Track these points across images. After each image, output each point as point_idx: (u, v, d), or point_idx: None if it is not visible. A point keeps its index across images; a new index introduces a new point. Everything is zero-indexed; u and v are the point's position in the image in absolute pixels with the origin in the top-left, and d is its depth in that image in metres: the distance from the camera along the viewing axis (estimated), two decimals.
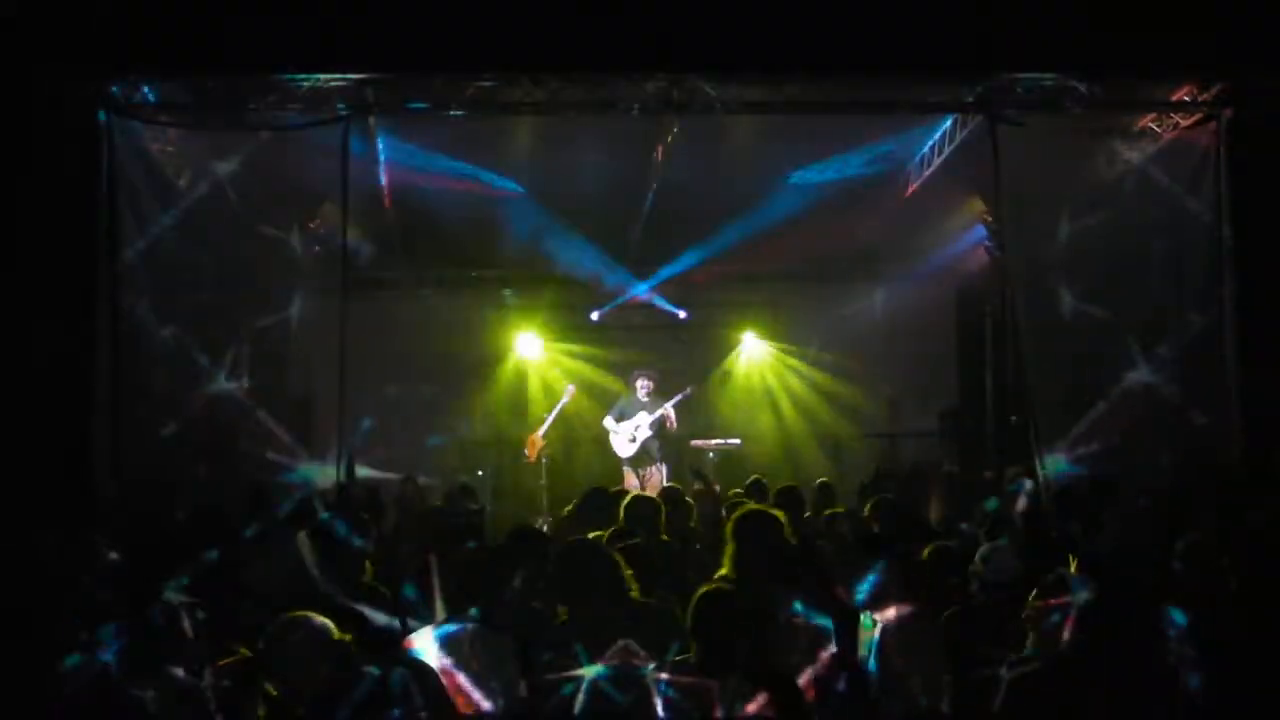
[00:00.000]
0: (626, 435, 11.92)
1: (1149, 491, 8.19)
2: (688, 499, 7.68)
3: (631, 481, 11.84)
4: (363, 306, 13.80)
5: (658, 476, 11.84)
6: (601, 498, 7.18)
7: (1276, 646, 4.47)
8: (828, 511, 8.14)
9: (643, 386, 12.08)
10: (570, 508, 7.76)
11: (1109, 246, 10.14)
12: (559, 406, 12.71)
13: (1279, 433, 8.76)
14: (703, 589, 4.28)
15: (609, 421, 12.08)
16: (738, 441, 12.98)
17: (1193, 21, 8.47)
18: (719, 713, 3.72)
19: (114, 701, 4.09)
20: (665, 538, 6.23)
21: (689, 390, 12.11)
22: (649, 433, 11.86)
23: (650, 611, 4.64)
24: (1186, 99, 9.78)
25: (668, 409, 11.83)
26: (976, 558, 5.39)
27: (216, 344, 10.53)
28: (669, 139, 10.50)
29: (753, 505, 6.14)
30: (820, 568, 4.61)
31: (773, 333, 14.96)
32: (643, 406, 11.95)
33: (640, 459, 11.94)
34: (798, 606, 4.11)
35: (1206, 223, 9.61)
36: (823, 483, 9.55)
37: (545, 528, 10.30)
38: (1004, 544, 5.53)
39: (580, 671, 3.93)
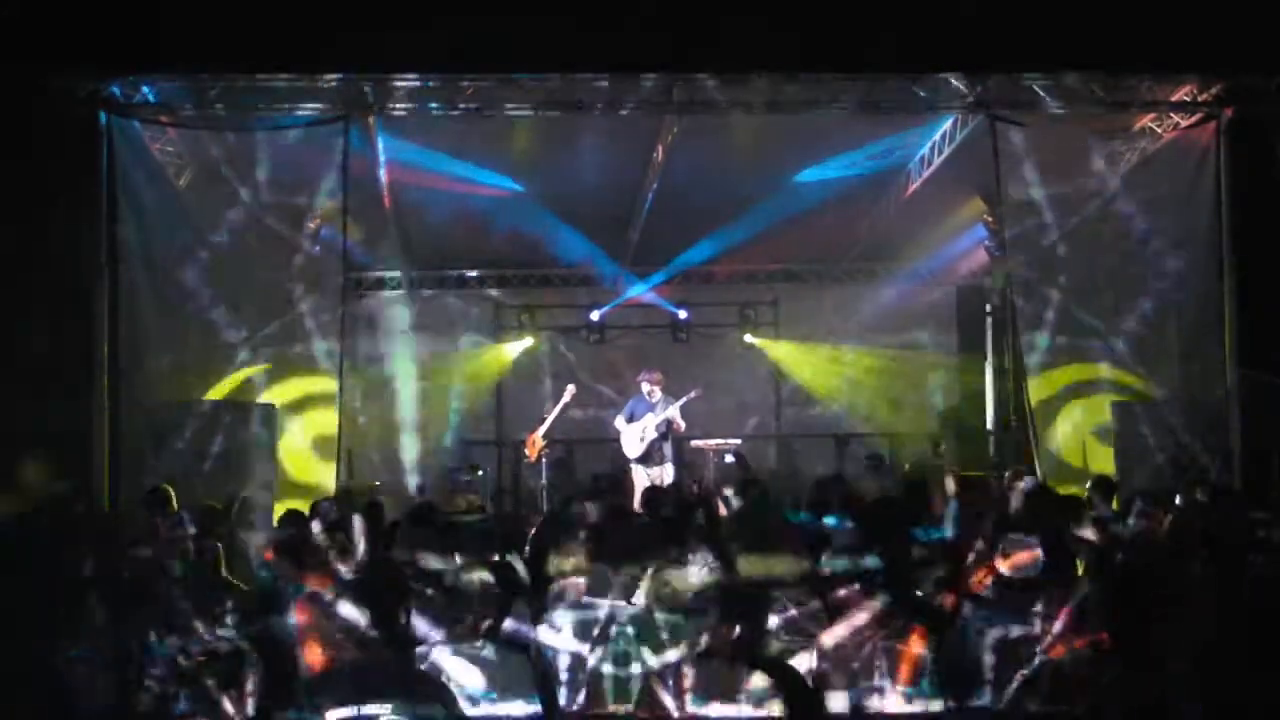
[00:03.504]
0: (635, 435, 11.88)
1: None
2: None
3: (641, 482, 11.81)
4: (363, 305, 13.97)
5: (664, 477, 11.80)
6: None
7: None
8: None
9: (649, 386, 12.04)
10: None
11: (1107, 246, 10.14)
12: (559, 406, 12.68)
13: (1278, 431, 8.77)
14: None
15: (619, 421, 12.04)
16: (738, 442, 12.95)
17: (1193, 21, 8.46)
18: None
19: None
20: None
21: (695, 391, 12.05)
22: (655, 434, 11.84)
23: None
24: (1186, 99, 9.78)
25: (674, 412, 11.79)
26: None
27: (217, 342, 10.53)
28: (669, 138, 10.49)
29: None
30: None
31: (773, 332, 14.94)
32: (650, 407, 11.91)
33: (648, 458, 11.91)
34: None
35: (1206, 222, 9.61)
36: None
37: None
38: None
39: None
